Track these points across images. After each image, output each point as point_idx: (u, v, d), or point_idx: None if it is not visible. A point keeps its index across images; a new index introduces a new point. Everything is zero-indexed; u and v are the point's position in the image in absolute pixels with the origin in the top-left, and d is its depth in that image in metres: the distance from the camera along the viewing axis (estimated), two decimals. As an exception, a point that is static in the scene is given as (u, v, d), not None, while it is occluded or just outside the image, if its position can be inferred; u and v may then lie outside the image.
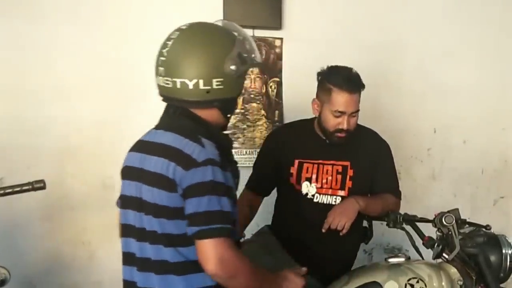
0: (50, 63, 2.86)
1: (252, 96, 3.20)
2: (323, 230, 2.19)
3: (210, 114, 1.62)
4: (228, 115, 1.68)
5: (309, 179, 2.37)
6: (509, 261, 2.05)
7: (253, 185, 2.53)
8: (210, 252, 1.45)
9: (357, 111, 2.29)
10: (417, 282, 1.98)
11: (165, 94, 1.62)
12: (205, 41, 1.57)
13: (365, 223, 2.42)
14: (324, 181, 2.36)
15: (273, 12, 3.13)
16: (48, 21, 2.85)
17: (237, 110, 3.17)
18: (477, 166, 3.67)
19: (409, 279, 1.99)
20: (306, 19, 3.26)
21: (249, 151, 3.14)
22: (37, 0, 2.85)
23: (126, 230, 1.63)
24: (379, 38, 3.41)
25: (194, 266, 1.51)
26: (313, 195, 2.36)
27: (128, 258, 1.63)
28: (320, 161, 2.38)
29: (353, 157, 2.37)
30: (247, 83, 3.17)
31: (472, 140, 3.63)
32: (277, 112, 3.23)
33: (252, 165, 2.63)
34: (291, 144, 2.44)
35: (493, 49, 3.65)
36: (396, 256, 2.17)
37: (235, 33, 1.63)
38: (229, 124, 3.08)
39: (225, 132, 1.75)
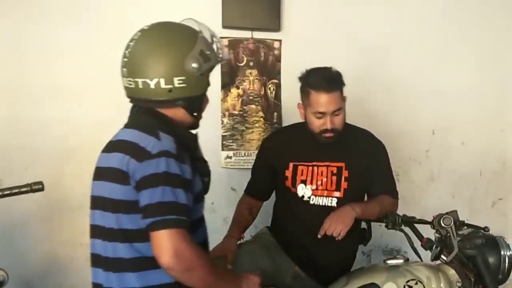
0: (48, 63, 2.86)
1: (250, 98, 3.20)
2: (319, 236, 2.19)
3: (175, 113, 1.61)
4: (195, 114, 1.65)
5: (304, 182, 2.37)
6: (508, 263, 2.05)
7: (252, 191, 2.56)
8: (164, 243, 1.41)
9: (339, 109, 2.28)
10: (416, 284, 1.98)
11: (130, 95, 1.61)
12: (165, 40, 1.57)
13: (363, 225, 2.42)
14: (319, 182, 2.36)
15: (272, 13, 3.13)
16: (47, 21, 2.86)
17: (236, 112, 3.18)
18: (475, 168, 3.67)
19: (408, 281, 1.99)
20: (304, 21, 3.26)
21: (248, 153, 3.14)
22: (36, 0, 2.85)
23: (93, 231, 1.62)
24: (378, 40, 3.41)
25: (151, 263, 1.48)
26: (309, 197, 2.37)
27: (94, 260, 1.62)
28: (314, 163, 2.38)
29: (348, 158, 2.37)
30: (245, 85, 3.18)
31: (470, 142, 3.63)
32: (275, 114, 3.23)
33: (250, 167, 2.63)
34: (286, 147, 2.45)
35: (492, 51, 3.65)
36: (394, 257, 2.17)
37: (198, 31, 1.62)
38: (228, 126, 3.15)
39: (193, 131, 1.71)
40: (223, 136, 3.18)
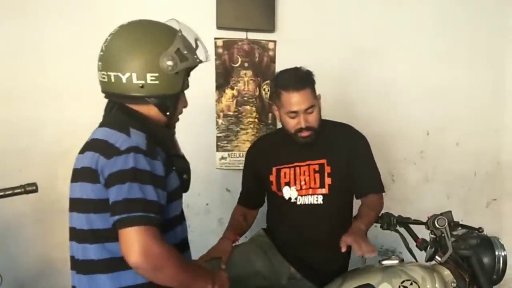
0: (42, 65, 2.85)
1: (245, 98, 3.20)
2: (343, 250, 2.08)
3: (148, 111, 1.59)
4: (168, 113, 1.62)
5: (288, 184, 2.38)
6: (502, 263, 2.05)
7: (244, 202, 2.57)
8: (131, 241, 1.37)
9: (312, 106, 2.27)
10: (411, 284, 1.98)
11: (104, 89, 1.60)
12: (141, 36, 1.56)
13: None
14: (303, 182, 2.36)
15: (266, 14, 3.13)
16: (40, 23, 2.85)
17: (230, 113, 3.17)
18: (470, 168, 3.68)
19: (403, 281, 1.99)
20: (299, 22, 3.27)
21: (242, 154, 3.13)
22: (29, 1, 2.84)
23: (70, 233, 1.59)
24: (372, 41, 3.42)
25: (122, 263, 1.43)
26: (295, 198, 2.37)
27: (71, 262, 1.60)
28: (295, 164, 2.38)
29: (329, 154, 2.36)
30: (240, 86, 3.18)
31: (465, 143, 3.64)
32: (270, 115, 3.23)
33: (245, 167, 2.63)
34: (267, 154, 2.45)
35: (485, 52, 3.66)
36: (389, 258, 2.17)
37: (178, 30, 1.60)
38: (223, 127, 3.14)
39: (171, 131, 1.69)
40: (217, 137, 3.18)
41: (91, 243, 1.48)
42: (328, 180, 2.34)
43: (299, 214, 2.36)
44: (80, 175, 1.53)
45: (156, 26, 1.61)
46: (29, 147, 2.83)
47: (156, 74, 1.53)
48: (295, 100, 2.25)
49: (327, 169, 2.35)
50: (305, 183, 2.36)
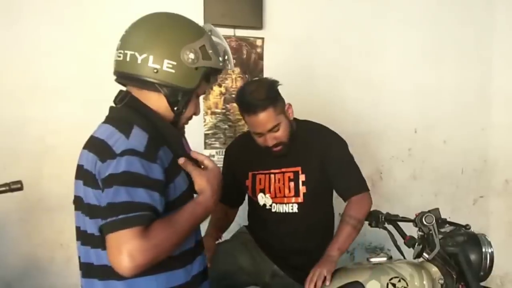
0: (26, 63, 2.82)
1: (233, 96, 3.18)
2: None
3: (157, 103, 1.53)
4: (176, 109, 1.54)
5: (262, 190, 2.36)
6: (489, 260, 2.06)
7: (223, 199, 2.50)
8: (115, 247, 1.29)
9: (276, 125, 2.19)
10: (399, 281, 1.98)
11: (117, 68, 1.53)
12: (169, 23, 1.53)
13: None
14: (277, 190, 2.33)
15: (254, 11, 3.12)
16: (25, 20, 2.81)
17: (218, 110, 3.16)
18: (457, 166, 3.70)
19: (391, 279, 1.99)
20: (287, 19, 3.26)
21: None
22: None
23: (76, 233, 1.54)
24: (360, 39, 3.43)
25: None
26: (270, 205, 2.35)
27: (79, 263, 1.55)
28: (271, 171, 2.35)
29: (303, 161, 2.31)
30: (228, 83, 3.16)
31: (452, 140, 3.66)
32: (258, 112, 3.21)
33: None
34: (245, 157, 2.41)
35: (472, 51, 3.69)
36: (378, 255, 2.17)
37: (208, 30, 1.57)
38: (211, 124, 3.13)
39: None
40: (205, 134, 3.16)
41: (103, 249, 1.40)
42: (302, 189, 2.30)
43: (275, 221, 2.35)
44: (82, 175, 1.49)
45: (188, 20, 1.57)
46: (14, 145, 2.80)
47: (174, 63, 1.47)
48: (255, 124, 2.19)
49: (302, 177, 2.31)
50: (280, 191, 2.33)
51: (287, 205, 2.33)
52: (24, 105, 2.82)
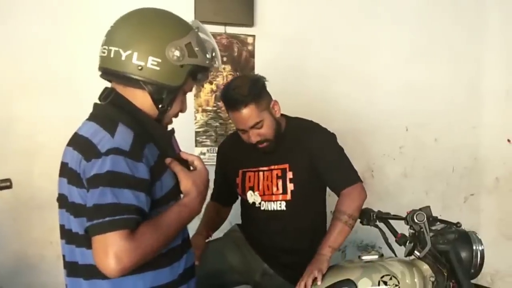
0: (15, 59, 2.81)
1: (224, 93, 3.18)
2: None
3: (141, 100, 1.50)
4: (161, 106, 1.52)
5: (252, 188, 2.35)
6: (480, 258, 2.06)
7: (215, 198, 2.54)
8: (101, 249, 1.29)
9: (258, 122, 2.18)
10: (390, 279, 1.98)
11: (101, 64, 1.51)
12: (154, 19, 1.50)
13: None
14: (266, 188, 2.32)
15: (245, 9, 3.11)
16: (15, 16, 2.80)
17: (209, 108, 3.15)
18: (448, 164, 3.71)
19: (383, 276, 1.99)
20: (278, 16, 3.26)
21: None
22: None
23: (60, 231, 1.53)
24: (351, 36, 3.43)
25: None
26: (259, 203, 2.34)
27: (63, 261, 1.53)
28: (260, 168, 2.34)
29: (292, 158, 2.30)
30: (219, 80, 3.16)
31: (443, 138, 3.68)
32: (249, 110, 3.21)
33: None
34: (235, 155, 2.41)
35: (464, 49, 3.70)
36: (369, 253, 2.17)
37: (195, 28, 1.54)
38: (201, 122, 3.11)
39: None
40: (196, 132, 3.15)
41: (88, 248, 1.39)
42: (290, 186, 2.29)
43: (264, 220, 2.34)
44: (67, 173, 1.47)
45: (174, 16, 1.55)
46: (3, 143, 2.78)
47: (159, 60, 1.45)
48: (238, 120, 2.20)
49: (289, 175, 2.29)
50: (268, 189, 2.32)
51: (275, 202, 2.32)
52: (13, 103, 2.81)
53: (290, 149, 2.30)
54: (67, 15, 2.87)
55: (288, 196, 2.29)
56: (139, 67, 1.45)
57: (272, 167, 2.32)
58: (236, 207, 2.59)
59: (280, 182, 2.30)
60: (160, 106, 1.52)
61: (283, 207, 2.31)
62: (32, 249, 2.88)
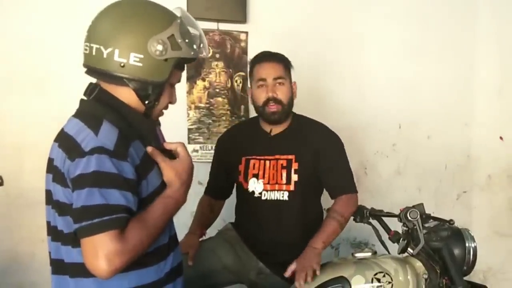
0: (4, 56, 2.78)
1: (217, 90, 3.16)
2: (286, 275, 2.10)
3: (127, 96, 1.47)
4: (147, 102, 1.49)
5: (256, 176, 2.36)
6: (472, 255, 2.07)
7: (211, 192, 2.54)
8: (92, 252, 1.27)
9: (281, 77, 2.32)
10: (384, 276, 1.98)
11: (85, 62, 1.48)
12: (135, 13, 1.45)
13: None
14: (271, 177, 2.34)
15: (238, 5, 3.10)
16: (4, 15, 2.77)
17: (202, 105, 3.13)
18: (440, 161, 3.72)
19: (376, 274, 1.99)
20: (271, 13, 3.25)
21: (214, 146, 3.11)
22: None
23: (47, 228, 1.52)
24: (344, 33, 3.42)
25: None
26: (260, 193, 2.34)
27: (50, 259, 1.52)
28: (265, 157, 2.36)
29: (298, 150, 2.34)
30: (212, 77, 3.14)
31: (435, 136, 3.68)
32: (242, 107, 3.20)
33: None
34: (238, 143, 2.43)
35: (455, 46, 3.70)
36: (362, 250, 2.17)
37: (178, 17, 1.49)
38: (194, 119, 3.10)
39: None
40: (189, 129, 3.14)
41: (73, 246, 1.38)
42: (294, 177, 2.32)
43: (264, 209, 2.34)
44: (52, 170, 1.45)
45: (156, 8, 1.49)
46: (-6, 140, 2.76)
47: (141, 56, 1.41)
48: (264, 69, 2.32)
49: (295, 165, 2.32)
50: (273, 178, 2.34)
51: (278, 192, 2.32)
52: (3, 100, 2.78)
53: (296, 141, 2.35)
54: (58, 12, 2.85)
55: (292, 187, 2.32)
56: (122, 64, 1.41)
57: (278, 156, 2.35)
58: (229, 205, 2.57)
59: (284, 172, 2.32)
60: (146, 102, 1.49)
61: (286, 197, 2.32)
62: (22, 247, 2.86)
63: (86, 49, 1.45)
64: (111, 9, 1.48)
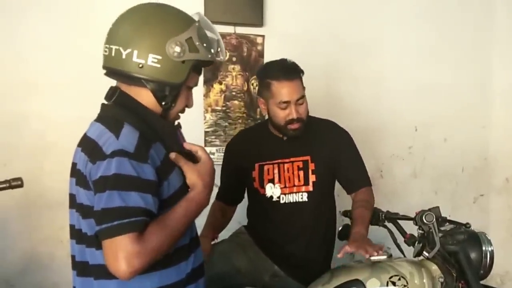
0: (25, 58, 2.82)
1: (233, 93, 3.19)
2: (367, 257, 2.02)
3: (145, 98, 1.49)
4: (164, 103, 1.51)
5: (272, 181, 2.35)
6: (489, 258, 2.06)
7: (222, 197, 2.52)
8: (113, 253, 1.30)
9: (302, 97, 2.26)
10: (399, 279, 1.98)
11: (104, 63, 1.51)
12: (154, 15, 1.48)
13: (345, 221, 2.41)
14: (287, 180, 2.33)
15: (255, 9, 3.11)
16: (23, 15, 2.81)
17: (218, 108, 3.15)
18: (457, 164, 3.70)
19: (391, 277, 1.98)
20: (287, 16, 3.26)
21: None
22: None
23: (70, 231, 1.54)
24: (359, 36, 3.42)
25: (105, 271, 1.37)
26: (278, 197, 2.34)
27: (72, 261, 1.54)
28: (279, 160, 2.35)
29: (313, 151, 2.34)
30: (228, 80, 3.16)
31: (452, 138, 3.66)
32: (258, 109, 3.22)
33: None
34: (249, 149, 2.41)
35: (472, 48, 3.68)
36: (378, 253, 2.16)
37: (196, 21, 1.51)
38: (211, 122, 3.12)
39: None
40: (205, 132, 3.16)
41: (97, 249, 1.41)
42: (312, 177, 2.32)
43: (283, 213, 2.34)
44: (76, 174, 1.48)
45: (174, 11, 1.53)
46: (14, 142, 2.80)
47: (159, 57, 1.43)
48: (287, 89, 2.21)
49: (311, 166, 2.32)
50: (289, 181, 2.33)
51: (297, 194, 2.33)
52: (23, 102, 2.82)
53: (311, 142, 2.35)
54: (77, 12, 2.88)
55: (310, 187, 2.32)
56: (140, 65, 1.44)
57: (293, 159, 2.34)
58: (241, 208, 2.58)
59: (301, 174, 2.32)
60: (163, 103, 1.51)
61: (305, 198, 2.33)
62: (42, 248, 2.90)
63: (105, 51, 1.48)
64: (131, 12, 1.52)
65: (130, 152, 1.36)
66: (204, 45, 1.50)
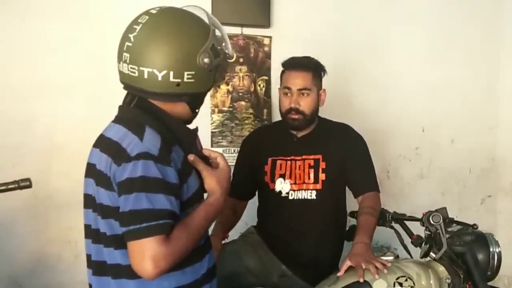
0: (34, 60, 2.83)
1: (240, 94, 3.19)
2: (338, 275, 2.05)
3: (173, 108, 1.52)
4: (196, 110, 1.59)
5: (282, 176, 2.38)
6: (496, 260, 2.05)
7: (234, 193, 2.50)
8: (140, 255, 1.33)
9: (306, 89, 2.31)
10: (406, 280, 1.98)
11: (128, 82, 1.50)
12: (176, 30, 1.47)
13: (350, 222, 2.42)
14: (298, 176, 2.36)
15: (262, 10, 3.12)
16: (33, 17, 2.82)
17: (225, 108, 3.16)
18: (464, 165, 3.69)
19: (398, 278, 1.98)
20: (294, 18, 3.26)
21: (237, 150, 3.12)
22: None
23: (86, 231, 1.55)
24: (367, 37, 3.42)
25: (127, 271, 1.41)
26: (287, 193, 2.36)
27: (88, 261, 1.55)
28: (292, 157, 2.39)
29: (325, 150, 2.37)
30: (235, 81, 3.17)
31: (459, 139, 3.65)
32: (265, 110, 3.22)
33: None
34: (265, 144, 2.47)
35: (480, 49, 3.67)
36: (384, 254, 2.17)
37: (211, 25, 1.53)
38: (217, 122, 3.13)
39: (191, 126, 1.62)
40: (212, 132, 3.17)
41: (115, 248, 1.44)
42: (322, 176, 2.34)
43: (291, 209, 2.35)
44: (95, 175, 1.48)
45: (191, 19, 1.52)
46: (22, 143, 2.81)
47: (193, 73, 1.47)
48: (291, 77, 2.33)
49: (322, 165, 2.35)
50: (300, 178, 2.36)
51: (306, 191, 2.35)
52: (32, 103, 2.83)
53: (323, 142, 2.39)
54: (86, 15, 2.89)
55: (319, 186, 2.34)
56: (177, 84, 1.47)
57: (305, 156, 2.38)
58: (251, 208, 2.59)
59: (312, 172, 2.35)
60: (196, 110, 1.58)
61: (314, 196, 2.35)
62: (50, 249, 2.91)
63: (133, 72, 1.46)
64: (150, 28, 1.47)
65: (154, 155, 1.38)
66: (223, 45, 1.55)
